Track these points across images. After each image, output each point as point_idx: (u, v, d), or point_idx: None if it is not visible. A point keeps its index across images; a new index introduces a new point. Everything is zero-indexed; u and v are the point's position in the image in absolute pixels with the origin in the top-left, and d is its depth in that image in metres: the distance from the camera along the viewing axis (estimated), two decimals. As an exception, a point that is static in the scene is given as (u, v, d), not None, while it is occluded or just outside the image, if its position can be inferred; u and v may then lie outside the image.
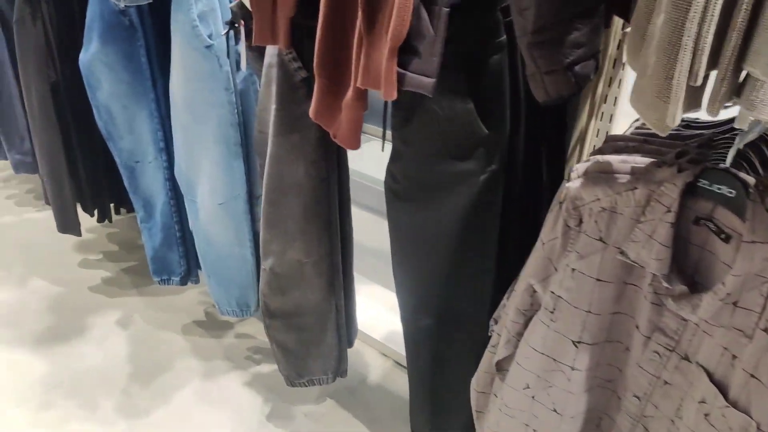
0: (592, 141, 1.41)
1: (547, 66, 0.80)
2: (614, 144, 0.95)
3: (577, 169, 0.89)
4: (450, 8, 0.65)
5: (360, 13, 0.71)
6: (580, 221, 0.83)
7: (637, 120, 1.07)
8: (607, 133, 1.39)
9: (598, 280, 0.81)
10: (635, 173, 0.82)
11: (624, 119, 1.38)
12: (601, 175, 0.85)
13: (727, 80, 0.57)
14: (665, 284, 0.73)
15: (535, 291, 0.90)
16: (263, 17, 1.02)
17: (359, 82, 0.75)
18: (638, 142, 0.94)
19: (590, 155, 0.97)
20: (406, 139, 0.94)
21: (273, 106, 1.14)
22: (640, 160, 0.87)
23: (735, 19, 0.55)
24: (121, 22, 1.34)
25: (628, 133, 1.02)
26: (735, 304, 0.68)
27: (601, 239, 0.80)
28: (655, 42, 0.64)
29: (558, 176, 1.15)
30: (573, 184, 0.84)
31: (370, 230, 1.63)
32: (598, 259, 0.80)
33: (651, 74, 0.65)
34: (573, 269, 0.82)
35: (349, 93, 0.80)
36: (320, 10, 0.81)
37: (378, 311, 1.80)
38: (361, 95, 0.79)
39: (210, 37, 1.22)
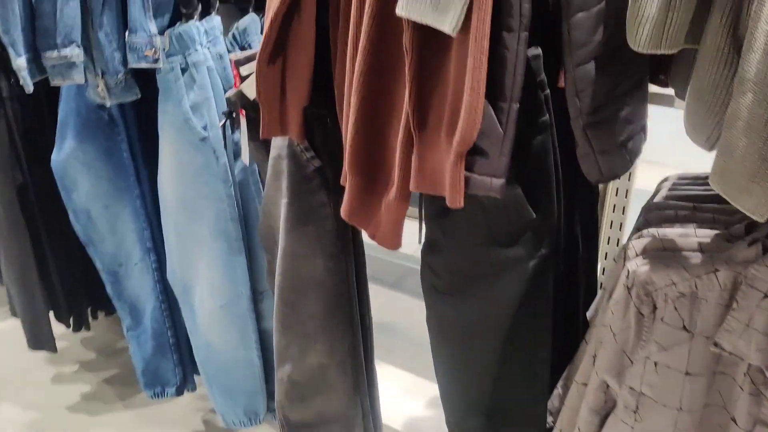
0: (612, 200, 1.40)
1: (601, 146, 0.77)
2: (661, 213, 0.92)
3: (633, 246, 0.85)
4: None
5: (409, 110, 0.66)
6: (654, 307, 0.78)
7: (665, 180, 1.05)
8: (627, 191, 1.38)
9: (688, 373, 0.75)
10: (707, 251, 0.79)
11: (642, 175, 1.38)
12: (667, 255, 0.81)
13: None
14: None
15: (608, 386, 0.84)
16: (272, 108, 0.97)
17: (413, 186, 0.69)
18: (688, 209, 0.91)
19: (637, 227, 0.94)
20: (446, 229, 0.89)
21: (284, 200, 1.08)
22: (703, 234, 0.83)
23: None
24: (101, 117, 1.27)
25: (661, 196, 1.00)
26: None
27: (684, 328, 0.75)
28: (742, 123, 0.61)
29: (593, 246, 1.12)
30: (638, 266, 0.80)
31: (381, 304, 1.55)
32: (685, 351, 0.75)
33: (742, 157, 0.62)
34: (656, 363, 0.77)
35: (393, 192, 0.75)
36: (353, 104, 0.76)
37: (395, 396, 1.71)
38: (407, 195, 0.74)
39: (205, 128, 1.16)
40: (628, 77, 0.76)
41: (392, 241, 0.80)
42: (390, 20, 0.70)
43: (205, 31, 1.14)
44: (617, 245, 1.41)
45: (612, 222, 1.37)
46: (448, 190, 0.64)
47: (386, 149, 0.77)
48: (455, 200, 0.64)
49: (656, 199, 1.00)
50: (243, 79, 1.08)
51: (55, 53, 0.96)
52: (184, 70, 1.13)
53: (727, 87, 0.67)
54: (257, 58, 0.92)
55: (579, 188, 1.00)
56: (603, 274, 1.39)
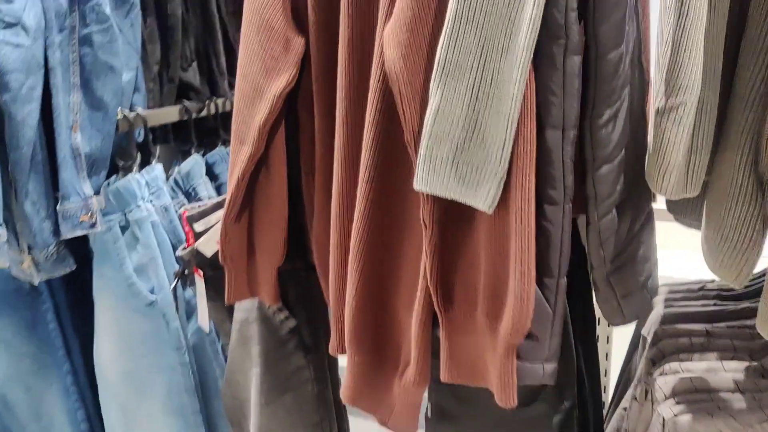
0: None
1: (624, 290, 0.72)
2: (675, 342, 0.87)
3: (660, 387, 0.79)
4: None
5: (431, 288, 0.58)
6: (705, 461, 0.71)
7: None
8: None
9: None
10: (747, 391, 0.74)
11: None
12: (704, 398, 0.75)
13: None
14: None
15: None
16: (239, 271, 0.86)
17: (446, 376, 0.60)
18: (702, 335, 0.87)
19: (651, 359, 0.89)
20: (460, 395, 0.79)
21: (256, 369, 0.94)
22: (732, 368, 0.79)
23: None
24: (20, 287, 1.10)
25: (658, 313, 0.96)
26: None
27: (746, 485, 0.68)
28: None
29: (596, 377, 1.05)
30: (676, 414, 0.73)
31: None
32: None
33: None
34: None
35: (410, 374, 0.65)
36: (351, 275, 0.67)
37: None
38: (426, 376, 0.64)
39: (152, 291, 1.02)
40: (641, 213, 0.72)
41: (409, 426, 0.69)
42: (392, 182, 0.62)
43: (147, 183, 1.03)
44: (606, 358, 1.36)
45: (598, 335, 1.32)
46: (498, 387, 0.55)
47: (394, 323, 0.67)
48: (508, 399, 0.55)
49: (654, 319, 0.95)
50: (197, 235, 0.97)
51: (-30, 234, 0.82)
52: (124, 229, 1.01)
53: (754, 225, 0.65)
54: (222, 219, 0.82)
55: (578, 321, 0.94)
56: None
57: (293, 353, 0.94)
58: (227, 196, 0.80)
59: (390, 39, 0.54)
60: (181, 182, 1.14)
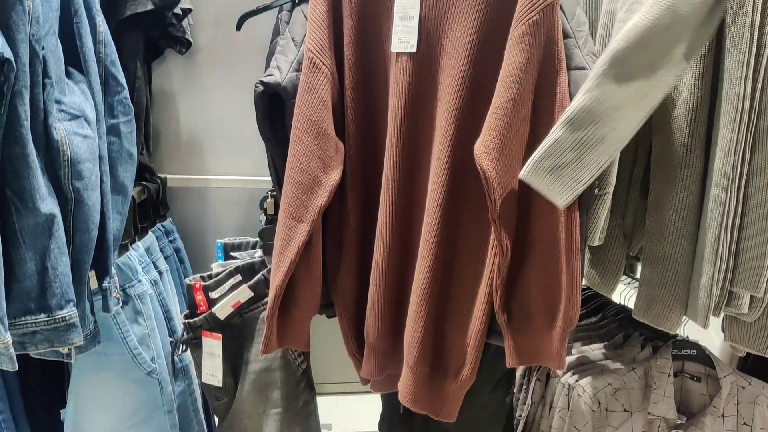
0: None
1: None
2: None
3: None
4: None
5: (498, 311, 0.92)
6: (599, 404, 1.19)
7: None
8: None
9: (635, 439, 1.18)
10: (610, 357, 1.25)
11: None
12: (594, 366, 1.24)
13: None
14: (677, 420, 1.16)
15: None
16: (280, 325, 1.04)
17: (515, 362, 0.93)
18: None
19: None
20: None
21: (276, 410, 1.13)
22: (595, 347, 1.30)
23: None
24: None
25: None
26: (722, 416, 1.16)
27: (624, 410, 1.18)
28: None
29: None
30: (578, 379, 1.20)
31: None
32: (630, 425, 1.17)
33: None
34: (615, 440, 1.17)
35: (466, 374, 0.97)
36: (418, 311, 0.97)
37: None
38: (476, 373, 0.98)
39: (152, 360, 1.11)
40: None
41: (456, 413, 1.01)
42: (454, 240, 0.96)
43: (138, 259, 1.13)
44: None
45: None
46: (557, 362, 0.92)
47: (446, 340, 0.99)
48: (563, 366, 0.93)
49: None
50: (211, 302, 1.11)
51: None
52: (124, 303, 1.08)
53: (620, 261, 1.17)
54: (277, 282, 0.99)
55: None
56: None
57: (303, 391, 1.15)
58: (281, 263, 1.00)
59: (484, 156, 0.87)
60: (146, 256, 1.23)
